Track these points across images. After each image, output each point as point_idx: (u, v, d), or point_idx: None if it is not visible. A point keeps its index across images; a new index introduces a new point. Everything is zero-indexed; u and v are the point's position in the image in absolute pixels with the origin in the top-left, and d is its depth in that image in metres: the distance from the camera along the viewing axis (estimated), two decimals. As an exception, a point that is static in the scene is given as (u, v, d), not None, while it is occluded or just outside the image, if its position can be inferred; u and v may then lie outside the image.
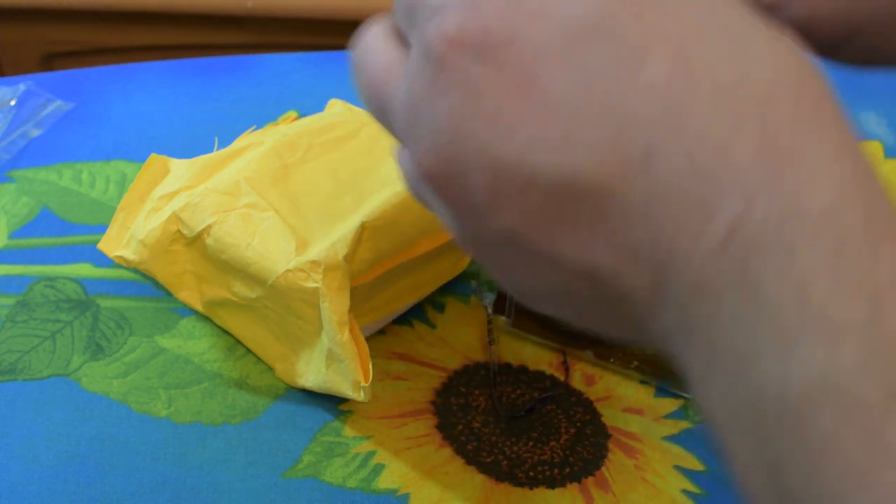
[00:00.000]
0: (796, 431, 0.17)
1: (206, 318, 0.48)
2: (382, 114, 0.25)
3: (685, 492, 0.41)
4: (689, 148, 0.19)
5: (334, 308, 0.40)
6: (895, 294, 0.17)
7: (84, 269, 0.50)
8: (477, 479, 0.42)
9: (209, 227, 0.43)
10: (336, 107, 0.54)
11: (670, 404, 0.45)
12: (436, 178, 0.22)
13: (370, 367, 0.40)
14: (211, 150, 0.57)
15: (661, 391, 0.46)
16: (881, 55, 0.32)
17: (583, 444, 0.43)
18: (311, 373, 0.43)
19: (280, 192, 0.44)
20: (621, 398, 0.45)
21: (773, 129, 0.19)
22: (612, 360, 0.47)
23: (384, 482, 0.41)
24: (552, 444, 0.43)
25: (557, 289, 0.22)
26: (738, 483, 0.19)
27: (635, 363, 0.46)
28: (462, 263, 0.50)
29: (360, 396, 0.41)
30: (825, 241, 0.18)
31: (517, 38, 0.21)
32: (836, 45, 0.33)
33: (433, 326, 0.49)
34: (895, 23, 0.31)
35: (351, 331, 0.40)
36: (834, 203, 0.18)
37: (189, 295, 0.46)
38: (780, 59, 0.20)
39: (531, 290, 0.24)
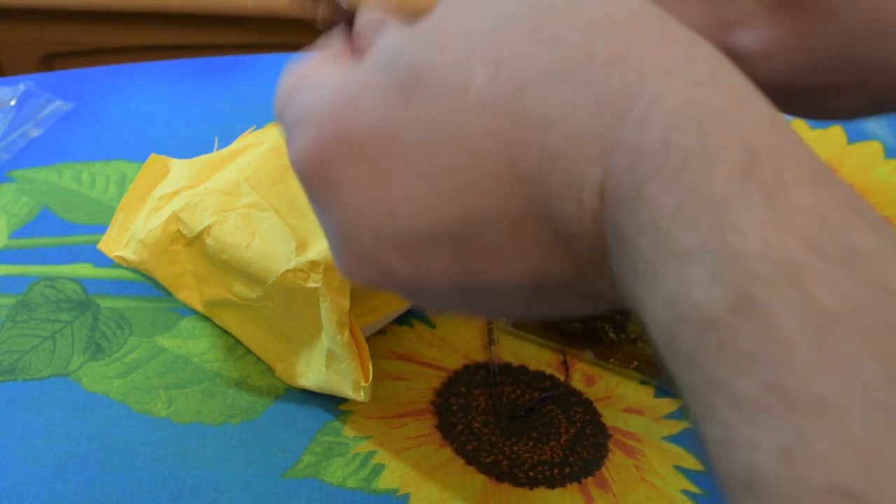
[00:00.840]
0: (671, 356, 0.18)
1: (206, 318, 0.48)
2: None
3: (685, 492, 0.41)
4: (539, 140, 0.20)
5: (334, 308, 0.40)
6: (730, 207, 0.17)
7: (84, 269, 0.50)
8: (477, 479, 0.42)
9: (209, 227, 0.43)
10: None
11: (670, 404, 0.45)
12: (356, 278, 0.24)
13: (370, 367, 0.40)
14: (211, 150, 0.57)
15: (661, 391, 0.46)
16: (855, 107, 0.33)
17: (583, 444, 0.43)
18: (311, 373, 0.43)
19: (280, 192, 0.44)
20: (621, 398, 0.45)
21: (598, 81, 0.19)
22: (612, 360, 0.47)
23: (384, 482, 0.41)
24: (552, 444, 0.43)
25: (520, 302, 0.23)
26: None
27: (635, 363, 0.46)
28: (462, 263, 0.50)
29: (360, 396, 0.41)
30: (666, 170, 0.18)
31: (351, 130, 0.22)
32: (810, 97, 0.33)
33: (433, 326, 0.49)
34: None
35: (351, 331, 0.40)
36: (667, 133, 0.18)
37: (189, 295, 0.46)
38: (580, 9, 0.21)
39: (504, 312, 0.25)
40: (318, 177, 0.22)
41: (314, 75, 0.25)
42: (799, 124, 0.62)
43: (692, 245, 0.17)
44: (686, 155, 0.18)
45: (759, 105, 0.19)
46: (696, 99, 0.18)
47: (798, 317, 0.16)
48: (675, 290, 0.17)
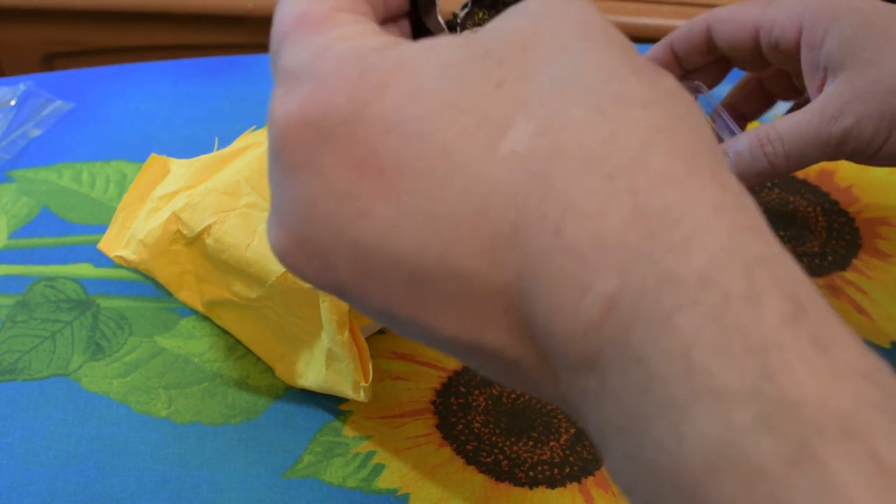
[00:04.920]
0: (695, 502, 0.16)
1: (206, 318, 0.48)
2: None
3: (685, 492, 0.41)
4: (556, 223, 0.18)
5: (334, 308, 0.40)
6: (781, 352, 0.16)
7: (84, 269, 0.50)
8: (477, 479, 0.42)
9: (209, 227, 0.43)
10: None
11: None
12: (288, 260, 0.21)
13: (370, 367, 0.40)
14: (211, 150, 0.57)
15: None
16: None
17: (583, 444, 0.43)
18: (311, 373, 0.43)
19: (280, 192, 0.44)
20: (621, 398, 0.45)
21: (644, 195, 0.18)
22: None
23: (384, 482, 0.41)
24: (552, 444, 0.43)
25: (449, 351, 0.21)
26: None
27: None
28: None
29: (360, 396, 0.41)
30: (704, 305, 0.17)
31: (365, 112, 0.19)
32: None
33: (433, 326, 0.49)
34: None
35: (351, 331, 0.40)
36: (710, 267, 0.17)
37: (189, 295, 0.46)
38: (651, 111, 0.19)
39: (431, 347, 0.22)
40: (299, 143, 0.20)
41: (344, 27, 0.21)
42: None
43: (739, 387, 0.16)
44: (729, 293, 0.17)
45: (793, 262, 0.18)
46: (740, 241, 0.17)
47: (861, 472, 0.15)
48: (716, 433, 0.16)
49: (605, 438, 0.18)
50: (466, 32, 0.21)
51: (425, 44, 0.20)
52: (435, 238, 0.19)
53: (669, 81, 0.20)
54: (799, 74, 0.45)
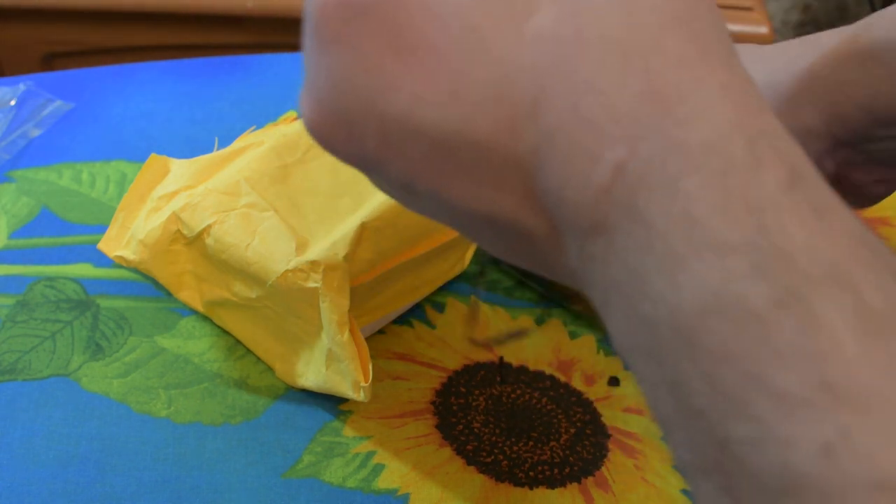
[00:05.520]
0: (691, 347, 0.17)
1: (206, 318, 0.48)
2: None
3: (685, 492, 0.41)
4: (575, 98, 0.19)
5: (334, 308, 0.40)
6: (779, 212, 0.17)
7: (84, 269, 0.50)
8: (477, 479, 0.42)
9: (209, 227, 0.43)
10: (336, 107, 0.54)
11: (670, 404, 0.45)
12: (318, 130, 0.23)
13: (370, 367, 0.40)
14: (211, 150, 0.57)
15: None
16: None
17: (583, 444, 0.43)
18: (311, 373, 0.43)
19: (280, 192, 0.44)
20: (621, 398, 0.45)
21: (657, 74, 0.19)
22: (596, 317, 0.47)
23: (384, 482, 0.41)
24: (552, 444, 0.43)
25: (464, 225, 0.23)
26: (654, 415, 0.20)
27: None
28: (462, 264, 0.50)
29: (360, 396, 0.41)
30: (707, 170, 0.18)
31: None
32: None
33: (433, 326, 0.49)
34: None
35: (351, 331, 0.40)
36: (715, 136, 0.18)
37: (189, 295, 0.46)
38: (670, 0, 0.20)
39: (445, 223, 0.24)
40: (338, 18, 0.21)
41: None
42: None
43: (736, 240, 0.17)
44: (731, 160, 0.18)
45: (794, 140, 0.19)
46: (745, 116, 0.19)
47: (846, 313, 0.16)
48: (711, 280, 0.17)
49: (609, 301, 0.20)
50: None
51: None
52: (457, 113, 0.20)
53: None
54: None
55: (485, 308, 0.50)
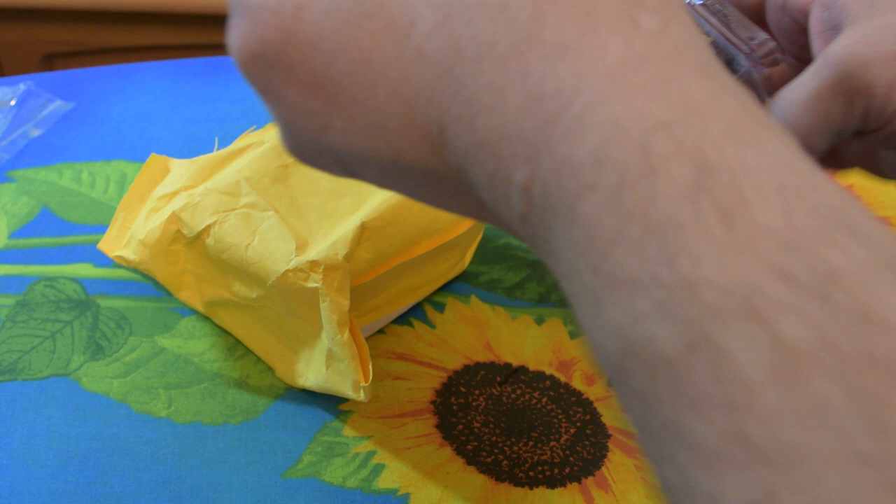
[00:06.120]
0: (620, 383, 0.16)
1: (206, 318, 0.48)
2: None
3: (685, 492, 0.41)
4: (469, 118, 0.18)
5: (334, 308, 0.40)
6: (680, 231, 0.15)
7: (84, 269, 0.50)
8: (477, 479, 0.42)
9: (209, 227, 0.43)
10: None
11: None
12: (297, 159, 0.23)
13: (370, 367, 0.40)
14: (211, 150, 0.57)
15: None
16: None
17: (583, 444, 0.43)
18: (311, 373, 0.43)
19: (280, 192, 0.44)
20: (621, 398, 0.45)
21: (535, 75, 0.17)
22: None
23: (384, 482, 0.41)
24: (552, 444, 0.43)
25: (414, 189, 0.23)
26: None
27: None
28: (462, 264, 0.50)
29: (360, 396, 0.41)
30: (601, 188, 0.16)
31: (292, 37, 0.20)
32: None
33: (433, 326, 0.49)
34: None
35: (351, 331, 0.40)
36: (603, 142, 0.16)
37: (189, 295, 0.46)
38: None
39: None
40: (255, 74, 0.21)
41: None
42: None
43: (639, 273, 0.15)
44: (624, 172, 0.16)
45: (721, 110, 0.16)
46: (639, 108, 0.16)
47: (761, 356, 0.14)
48: (622, 321, 0.16)
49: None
50: None
51: None
52: (383, 140, 0.20)
53: None
54: (802, 46, 0.37)
55: (485, 308, 0.50)
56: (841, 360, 0.14)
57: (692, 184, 0.15)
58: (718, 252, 0.15)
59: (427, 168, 0.20)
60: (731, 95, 0.17)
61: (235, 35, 0.21)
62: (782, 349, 0.14)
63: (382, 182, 0.22)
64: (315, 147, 0.22)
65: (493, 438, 0.43)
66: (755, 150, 0.16)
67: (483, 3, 0.18)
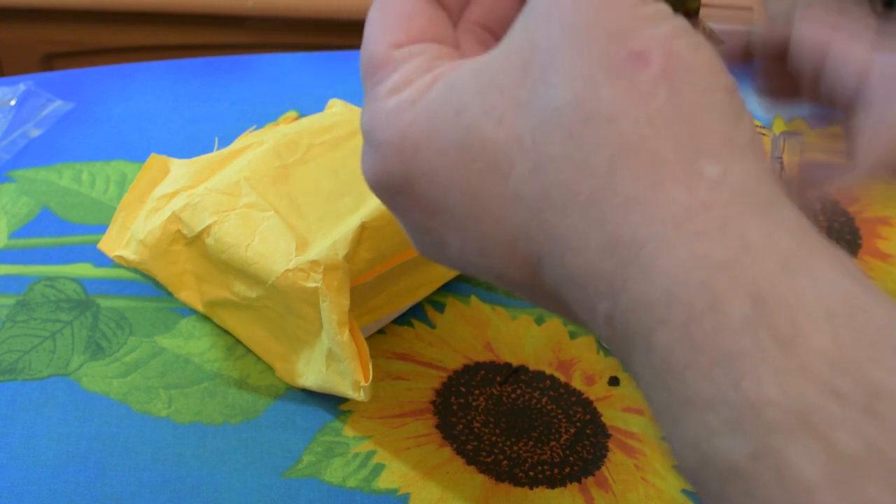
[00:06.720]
0: (699, 490, 0.19)
1: (206, 318, 0.48)
2: None
3: (685, 492, 0.41)
4: (559, 255, 0.21)
5: (334, 308, 0.40)
6: (743, 359, 0.17)
7: (84, 269, 0.50)
8: (477, 479, 0.42)
9: (209, 227, 0.43)
10: (336, 107, 0.54)
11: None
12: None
13: (370, 367, 0.40)
14: (211, 150, 0.57)
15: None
16: None
17: (583, 444, 0.43)
18: (311, 373, 0.43)
19: (280, 192, 0.44)
20: (621, 398, 0.45)
21: (612, 223, 0.20)
22: None
23: (384, 482, 0.41)
24: (552, 444, 0.43)
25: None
26: None
27: None
28: (462, 263, 0.50)
29: (360, 396, 0.41)
30: (671, 323, 0.19)
31: (413, 172, 0.23)
32: None
33: (433, 326, 0.49)
34: None
35: (351, 331, 0.40)
36: (671, 283, 0.19)
37: (189, 295, 0.46)
38: (617, 126, 0.20)
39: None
40: (384, 197, 0.25)
41: (396, 74, 0.24)
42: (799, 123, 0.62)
43: (709, 395, 0.18)
44: (691, 310, 0.18)
45: (776, 246, 0.19)
46: (700, 252, 0.19)
47: (818, 463, 0.16)
48: (696, 435, 0.18)
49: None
50: (494, 51, 0.23)
51: (446, 86, 0.23)
52: (491, 262, 0.23)
53: (648, 73, 0.20)
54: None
55: (485, 308, 0.50)
56: (887, 466, 0.16)
57: (749, 316, 0.18)
58: (777, 375, 0.17)
59: (531, 285, 0.23)
60: (787, 230, 0.19)
61: (367, 164, 0.24)
62: (837, 458, 0.16)
63: (495, 284, 0.25)
64: (436, 254, 0.25)
65: (493, 438, 0.43)
66: (807, 279, 0.18)
67: (567, 156, 0.21)
